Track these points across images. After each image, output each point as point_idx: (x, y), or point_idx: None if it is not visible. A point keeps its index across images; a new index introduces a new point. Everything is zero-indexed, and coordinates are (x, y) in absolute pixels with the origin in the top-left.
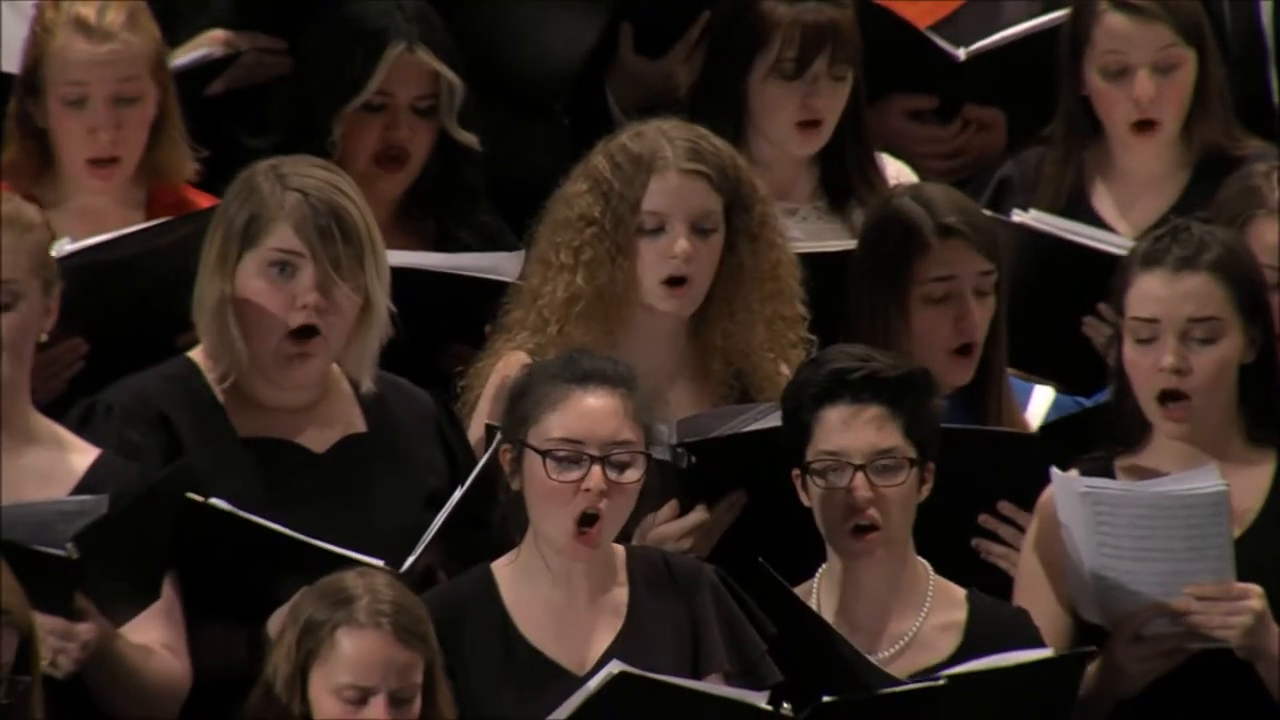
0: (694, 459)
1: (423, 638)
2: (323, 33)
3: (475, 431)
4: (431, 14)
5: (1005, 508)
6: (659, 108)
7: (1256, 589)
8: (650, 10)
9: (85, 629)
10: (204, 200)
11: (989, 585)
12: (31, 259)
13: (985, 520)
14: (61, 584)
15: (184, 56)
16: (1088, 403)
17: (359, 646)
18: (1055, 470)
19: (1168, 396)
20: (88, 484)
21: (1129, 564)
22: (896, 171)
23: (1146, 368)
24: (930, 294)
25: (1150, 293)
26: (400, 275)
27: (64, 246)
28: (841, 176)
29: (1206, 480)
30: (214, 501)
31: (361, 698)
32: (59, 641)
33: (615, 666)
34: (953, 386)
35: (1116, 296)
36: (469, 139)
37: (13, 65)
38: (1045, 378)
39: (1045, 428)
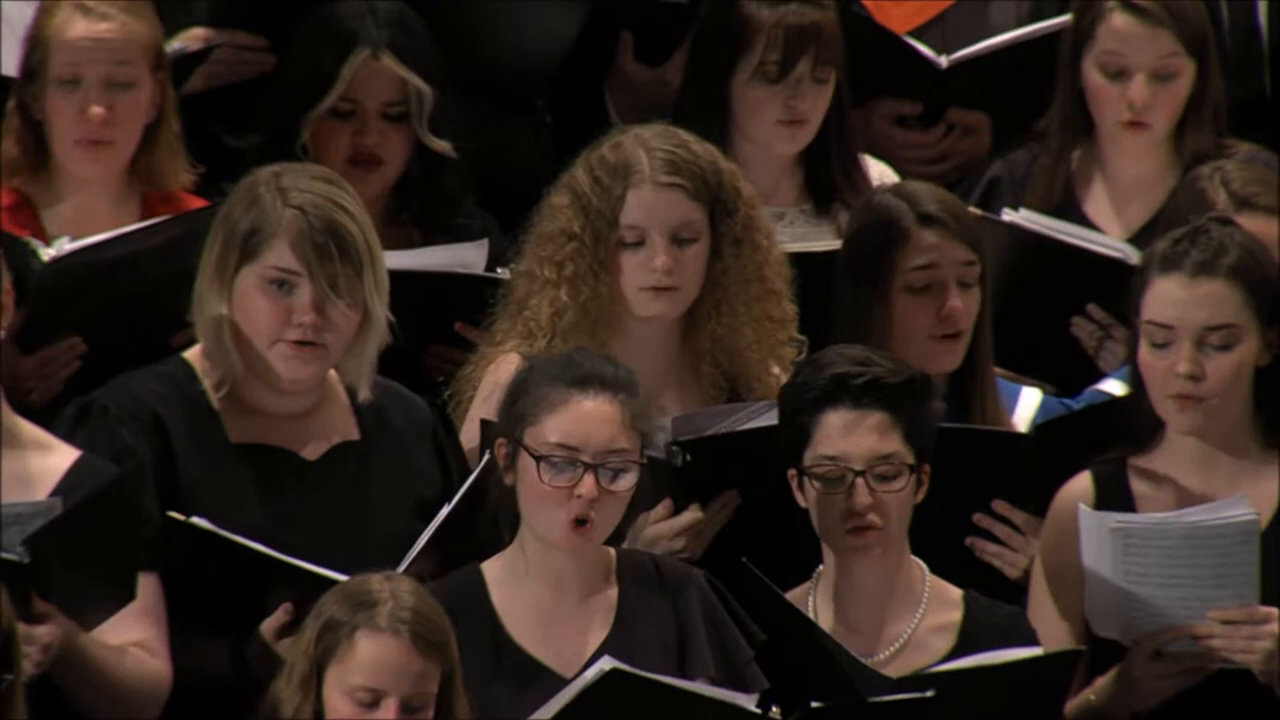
0: (688, 457)
1: (440, 647)
2: (300, 33)
3: (468, 433)
4: (409, 20)
5: (1000, 506)
6: (658, 115)
7: (1278, 613)
8: (650, 18)
9: (45, 632)
10: (196, 204)
11: (983, 583)
12: None
13: (980, 519)
14: (15, 587)
15: None
16: (1074, 404)
17: (376, 650)
18: (1083, 508)
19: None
20: (67, 486)
21: (1154, 589)
22: (880, 173)
23: (1162, 371)
24: (912, 283)
25: (1167, 297)
26: None
27: (63, 245)
28: (826, 179)
29: (1237, 509)
30: (195, 520)
31: (373, 700)
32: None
33: (607, 663)
34: (940, 373)
35: (1133, 298)
36: (442, 146)
37: (11, 68)
38: (1033, 378)
39: (1040, 427)
